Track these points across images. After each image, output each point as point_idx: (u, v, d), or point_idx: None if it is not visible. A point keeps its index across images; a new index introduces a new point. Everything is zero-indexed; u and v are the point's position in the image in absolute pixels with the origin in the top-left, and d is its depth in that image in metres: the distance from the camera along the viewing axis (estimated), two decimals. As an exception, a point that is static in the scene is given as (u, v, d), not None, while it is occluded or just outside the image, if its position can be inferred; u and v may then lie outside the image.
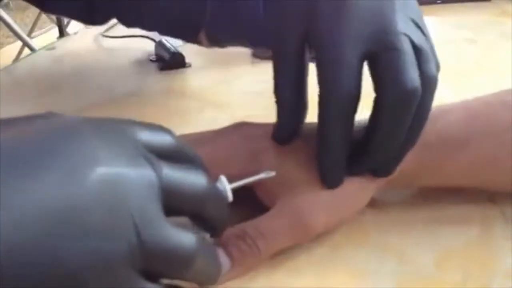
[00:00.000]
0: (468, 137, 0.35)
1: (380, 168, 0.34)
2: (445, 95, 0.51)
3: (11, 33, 1.87)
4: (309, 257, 0.34)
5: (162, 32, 0.58)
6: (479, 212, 0.37)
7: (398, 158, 0.33)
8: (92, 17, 0.55)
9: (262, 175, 0.32)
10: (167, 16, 0.50)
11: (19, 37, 1.85)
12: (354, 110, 0.31)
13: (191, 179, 0.24)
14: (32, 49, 1.76)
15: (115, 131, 0.23)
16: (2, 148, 0.20)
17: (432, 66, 0.31)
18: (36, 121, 0.23)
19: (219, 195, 0.27)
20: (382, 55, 0.30)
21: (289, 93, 0.33)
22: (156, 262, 0.22)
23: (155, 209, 0.22)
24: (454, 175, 0.36)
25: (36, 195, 0.20)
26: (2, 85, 0.58)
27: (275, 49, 0.33)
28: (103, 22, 0.57)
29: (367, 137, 0.32)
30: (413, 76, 0.30)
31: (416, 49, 0.31)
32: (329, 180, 0.33)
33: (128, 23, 0.56)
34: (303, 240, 0.34)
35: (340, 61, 0.30)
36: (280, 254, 0.34)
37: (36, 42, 1.89)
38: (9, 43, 2.30)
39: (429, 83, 0.31)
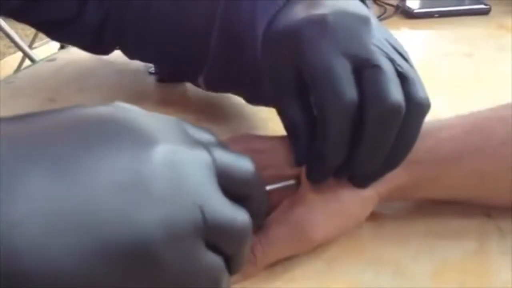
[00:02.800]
0: (461, 152, 0.35)
1: (358, 179, 0.34)
2: (441, 109, 0.52)
3: (12, 44, 1.88)
4: (305, 269, 0.34)
5: (162, 69, 0.61)
6: (475, 226, 0.37)
7: (378, 174, 0.34)
8: (98, 48, 0.58)
9: (281, 184, 0.33)
10: (168, 56, 0.53)
11: (19, 48, 1.86)
12: (354, 118, 0.32)
13: (241, 162, 0.25)
14: (32, 60, 1.77)
15: (165, 118, 0.25)
16: (87, 122, 0.22)
17: (419, 92, 0.32)
18: (99, 108, 0.24)
19: (262, 182, 0.28)
20: (365, 71, 0.32)
21: (300, 119, 0.34)
22: (217, 236, 0.23)
23: (213, 186, 0.23)
24: (448, 189, 0.36)
25: (110, 163, 0.21)
26: (2, 96, 0.58)
27: (275, 88, 0.36)
28: (108, 53, 0.60)
29: (351, 151, 0.33)
30: (394, 92, 0.31)
31: (400, 73, 0.32)
32: (317, 179, 0.34)
33: (130, 56, 0.59)
34: (302, 251, 0.34)
35: (336, 74, 0.31)
36: (277, 265, 0.34)
37: (37, 53, 1.89)
38: (10, 54, 2.31)
39: (415, 106, 0.32)
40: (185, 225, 0.21)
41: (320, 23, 0.33)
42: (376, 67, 0.31)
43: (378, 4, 0.96)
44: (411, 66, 0.34)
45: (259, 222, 0.28)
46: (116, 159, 0.21)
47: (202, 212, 0.22)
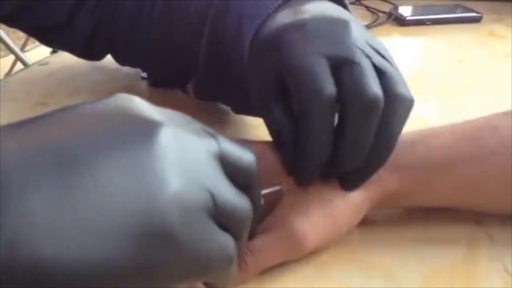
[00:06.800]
0: (453, 160, 0.36)
1: (348, 180, 0.35)
2: (431, 115, 0.52)
3: (3, 47, 1.87)
4: (295, 274, 0.34)
5: (152, 76, 0.63)
6: (465, 233, 0.38)
7: (365, 173, 0.34)
8: (89, 54, 0.60)
9: (272, 189, 0.33)
10: (158, 65, 0.54)
11: (12, 51, 1.85)
12: (334, 113, 0.32)
13: (243, 152, 0.26)
14: (24, 63, 1.76)
15: (169, 110, 0.25)
16: (93, 116, 0.23)
17: (399, 86, 0.33)
18: (102, 101, 0.24)
19: (260, 175, 0.28)
20: (343, 68, 0.32)
21: (285, 122, 0.35)
22: (225, 218, 0.24)
23: (219, 171, 0.24)
24: (439, 196, 0.36)
25: (120, 150, 0.21)
26: (-6, 100, 0.58)
27: (260, 94, 0.36)
28: (100, 59, 0.61)
29: (334, 149, 0.33)
30: (371, 85, 0.32)
31: (379, 70, 0.33)
32: (304, 180, 0.34)
33: (121, 63, 0.60)
34: (293, 258, 0.34)
35: (314, 70, 0.32)
36: (267, 270, 0.34)
37: (29, 56, 1.89)
38: (2, 57, 2.30)
39: (395, 101, 0.33)
40: (197, 205, 0.22)
41: (299, 27, 0.34)
42: (353, 63, 0.32)
43: (370, 11, 0.96)
44: (392, 65, 0.34)
45: (254, 228, 0.28)
46: (125, 145, 0.21)
47: (212, 195, 0.23)
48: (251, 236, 0.32)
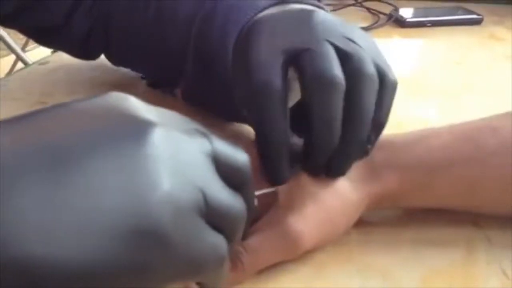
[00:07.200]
0: (452, 160, 0.36)
1: (330, 168, 0.34)
2: (431, 116, 0.52)
3: (4, 46, 1.87)
4: (293, 275, 0.34)
5: (147, 77, 0.63)
6: (464, 235, 0.38)
7: (343, 157, 0.34)
8: (86, 53, 0.60)
9: (266, 190, 0.33)
10: (148, 68, 0.57)
11: (13, 50, 1.85)
12: (284, 105, 0.33)
13: (236, 152, 0.26)
14: (25, 63, 1.76)
15: (162, 109, 0.25)
16: (85, 115, 0.23)
17: (365, 67, 0.33)
18: (94, 99, 0.24)
19: (253, 185, 0.28)
20: (302, 56, 0.33)
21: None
22: (217, 218, 0.24)
23: (211, 171, 0.24)
24: (438, 197, 0.36)
25: (111, 150, 0.21)
26: (-6, 99, 0.58)
27: (240, 96, 0.37)
28: (95, 58, 0.62)
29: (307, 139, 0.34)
30: (330, 68, 0.32)
31: (342, 53, 0.33)
32: (274, 176, 0.34)
33: (115, 63, 0.61)
34: (289, 258, 0.34)
35: (263, 65, 0.33)
36: (264, 271, 0.34)
37: (30, 56, 1.89)
38: (2, 56, 2.30)
39: (359, 79, 0.33)
40: (189, 205, 0.22)
41: (263, 24, 0.36)
42: (309, 50, 0.33)
43: (371, 13, 0.96)
44: (364, 49, 0.34)
45: (246, 228, 0.28)
46: (118, 145, 0.21)
47: (204, 195, 0.23)
48: (244, 237, 0.32)
